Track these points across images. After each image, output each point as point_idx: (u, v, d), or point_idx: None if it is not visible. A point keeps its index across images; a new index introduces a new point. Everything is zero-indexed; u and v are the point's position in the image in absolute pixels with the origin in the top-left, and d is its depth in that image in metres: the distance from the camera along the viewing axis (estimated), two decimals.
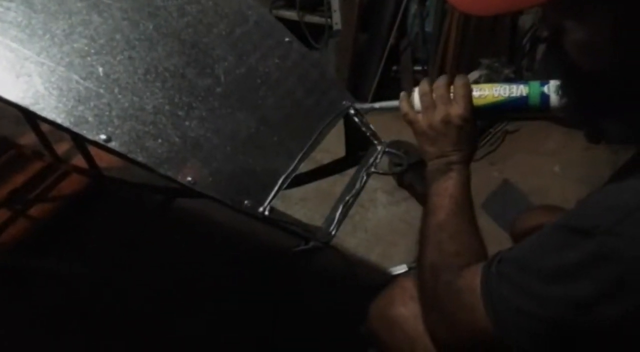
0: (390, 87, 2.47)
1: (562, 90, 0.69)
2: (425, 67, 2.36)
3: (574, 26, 0.51)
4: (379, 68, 2.38)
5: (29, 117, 1.67)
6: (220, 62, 0.93)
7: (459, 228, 0.72)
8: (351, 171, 1.10)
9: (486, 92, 0.80)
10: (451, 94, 0.79)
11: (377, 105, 0.98)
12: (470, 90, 0.79)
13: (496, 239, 1.72)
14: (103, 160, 1.86)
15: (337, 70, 2.42)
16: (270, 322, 1.48)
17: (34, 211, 1.72)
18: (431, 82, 0.82)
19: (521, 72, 2.33)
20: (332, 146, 1.19)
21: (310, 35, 2.44)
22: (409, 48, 2.43)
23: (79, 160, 1.86)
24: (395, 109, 0.90)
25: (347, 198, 1.00)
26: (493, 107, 0.79)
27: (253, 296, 1.55)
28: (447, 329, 0.66)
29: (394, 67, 2.47)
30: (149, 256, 1.60)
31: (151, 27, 0.87)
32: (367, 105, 1.07)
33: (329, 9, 2.35)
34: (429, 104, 0.80)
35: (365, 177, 1.04)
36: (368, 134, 1.10)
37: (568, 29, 0.52)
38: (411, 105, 0.83)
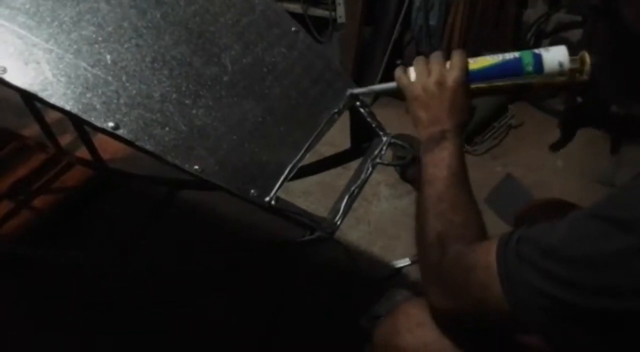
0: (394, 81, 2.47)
1: (609, 60, 0.68)
2: None
3: None
4: (382, 61, 2.37)
5: (33, 109, 1.67)
6: (227, 51, 0.93)
7: (459, 199, 0.72)
8: (354, 165, 1.10)
9: (480, 58, 0.81)
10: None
11: (375, 87, 1.01)
12: (466, 57, 0.80)
13: (499, 233, 1.74)
14: (107, 152, 1.86)
15: (341, 63, 2.42)
16: (271, 313, 1.49)
17: (37, 202, 1.72)
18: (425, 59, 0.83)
19: None
20: (337, 139, 1.19)
21: (314, 29, 2.43)
22: (413, 42, 2.42)
23: (82, 152, 1.86)
24: (394, 91, 0.90)
25: (352, 189, 1.00)
26: (488, 70, 0.80)
27: (255, 287, 1.55)
28: (453, 301, 0.65)
29: (398, 61, 2.46)
30: (153, 247, 1.60)
31: (158, 15, 0.87)
32: (364, 88, 1.07)
33: (333, 2, 2.34)
34: (423, 70, 0.80)
35: (370, 168, 1.05)
36: (373, 125, 1.10)
37: None
38: (406, 74, 0.84)
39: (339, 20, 2.38)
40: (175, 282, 1.54)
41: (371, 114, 1.10)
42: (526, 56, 0.78)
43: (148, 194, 1.79)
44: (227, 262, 1.56)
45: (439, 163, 0.75)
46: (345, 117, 1.10)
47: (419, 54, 2.40)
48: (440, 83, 0.77)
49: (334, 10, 2.37)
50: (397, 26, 2.31)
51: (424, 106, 0.79)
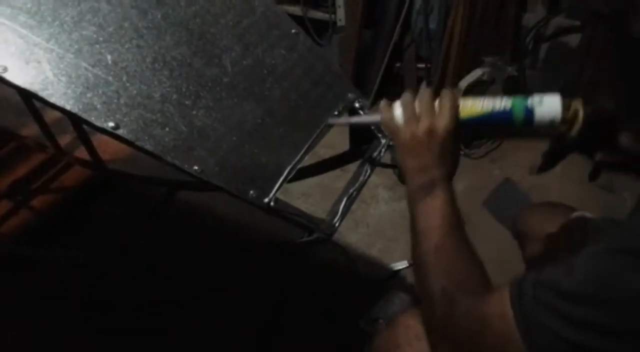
0: (394, 84, 2.47)
1: (611, 65, 0.67)
2: (429, 64, 2.36)
3: None
4: (382, 64, 2.38)
5: (32, 109, 1.67)
6: (227, 52, 0.93)
7: (460, 250, 0.69)
8: (353, 167, 1.10)
9: (470, 105, 0.76)
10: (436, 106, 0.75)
11: (353, 119, 0.90)
12: (457, 102, 0.75)
13: (497, 237, 1.74)
14: (106, 152, 1.86)
15: (341, 66, 2.42)
16: (270, 314, 1.49)
17: (36, 202, 1.72)
18: (414, 94, 0.78)
19: (524, 71, 2.33)
20: (336, 142, 1.19)
21: (314, 31, 2.44)
22: (413, 45, 2.43)
23: (81, 153, 1.86)
24: (373, 124, 0.86)
25: (351, 191, 1.01)
26: (477, 119, 0.75)
27: (254, 288, 1.55)
28: None
29: (398, 64, 2.47)
30: (152, 248, 1.60)
31: (159, 16, 0.87)
32: (342, 120, 1.02)
33: (333, 4, 2.35)
34: (412, 114, 0.75)
35: (369, 170, 1.05)
36: (372, 127, 1.11)
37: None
38: (393, 116, 0.78)
39: (339, 23, 2.38)
40: (175, 282, 1.54)
41: None
42: (517, 109, 0.73)
43: (147, 194, 1.79)
44: (226, 263, 1.56)
45: (432, 212, 0.72)
46: None
47: (418, 57, 2.42)
48: (430, 132, 0.73)
49: (334, 13, 2.37)
50: (397, 29, 2.31)
51: (412, 154, 0.75)
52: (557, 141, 0.88)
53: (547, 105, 0.72)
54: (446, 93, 0.75)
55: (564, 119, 0.73)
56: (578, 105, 0.76)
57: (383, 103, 0.79)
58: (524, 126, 0.74)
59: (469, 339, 0.62)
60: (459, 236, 0.70)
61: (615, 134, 0.83)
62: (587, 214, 1.08)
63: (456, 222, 0.71)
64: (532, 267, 1.17)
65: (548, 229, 1.11)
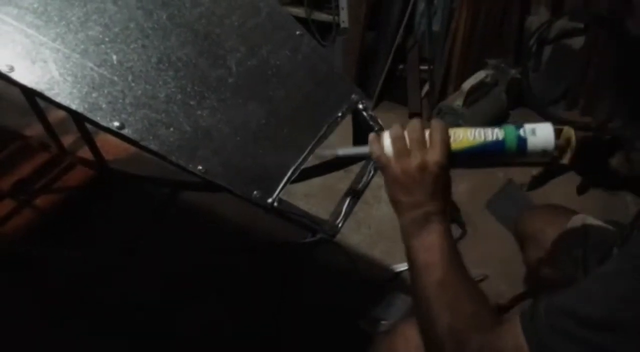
0: (397, 86, 2.48)
1: (617, 74, 0.68)
2: (432, 66, 2.36)
3: None
4: (385, 66, 2.38)
5: (36, 109, 1.68)
6: (232, 53, 0.93)
7: (463, 285, 0.67)
8: (356, 168, 1.10)
9: (461, 136, 0.74)
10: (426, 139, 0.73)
11: (340, 152, 0.86)
12: (448, 135, 0.73)
13: (500, 239, 1.74)
14: (109, 152, 1.87)
15: (344, 68, 2.43)
16: (272, 315, 1.49)
17: (39, 201, 1.73)
18: (402, 126, 0.75)
19: (527, 73, 2.33)
20: (339, 143, 1.19)
21: (317, 33, 2.45)
22: (416, 47, 2.43)
23: (85, 153, 1.87)
24: (363, 157, 0.83)
25: (354, 192, 1.01)
26: (469, 152, 0.73)
27: (256, 289, 1.55)
28: None
29: (401, 66, 2.48)
30: (153, 248, 1.60)
31: (165, 16, 0.88)
32: (327, 152, 0.96)
33: (337, 6, 2.36)
34: (402, 149, 0.72)
35: (372, 172, 1.05)
36: (376, 129, 1.11)
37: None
38: (382, 149, 0.75)
39: (342, 25, 2.39)
40: (177, 282, 1.55)
41: (373, 118, 1.11)
42: (510, 139, 0.72)
43: (150, 194, 1.80)
44: (229, 263, 1.56)
45: (430, 247, 0.70)
46: (348, 120, 1.10)
47: (421, 59, 2.43)
48: (422, 167, 0.70)
49: (338, 14, 2.38)
50: (400, 31, 2.32)
51: (404, 190, 0.72)
52: (548, 166, 0.87)
53: (540, 135, 0.71)
54: (436, 125, 0.73)
55: (556, 147, 0.72)
56: (570, 133, 0.75)
57: (372, 136, 0.76)
58: (516, 156, 0.73)
59: None
60: (459, 270, 0.68)
61: (606, 158, 0.83)
62: (589, 218, 1.09)
63: (455, 255, 0.69)
64: (533, 270, 1.17)
65: (549, 232, 1.11)
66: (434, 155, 0.70)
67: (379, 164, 0.75)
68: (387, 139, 0.75)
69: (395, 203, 0.74)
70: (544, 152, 0.71)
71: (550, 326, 0.54)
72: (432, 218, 0.70)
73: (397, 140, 0.73)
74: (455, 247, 0.71)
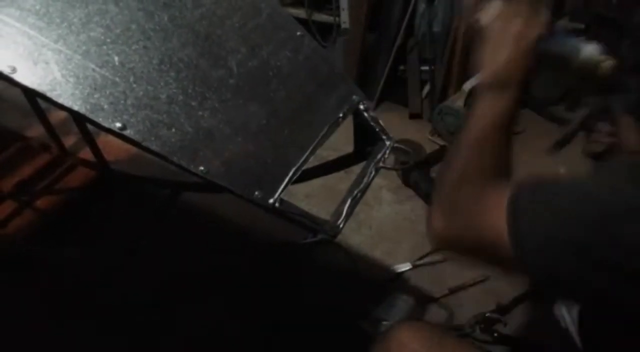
0: (397, 87, 2.48)
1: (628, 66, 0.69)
2: (432, 67, 2.36)
3: None
4: (386, 67, 2.38)
5: (37, 110, 1.68)
6: (233, 54, 0.94)
7: (494, 149, 0.70)
8: (357, 169, 1.10)
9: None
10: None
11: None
12: (550, 17, 0.75)
13: None
14: (110, 153, 1.87)
15: (345, 68, 2.43)
16: (273, 315, 1.49)
17: (40, 202, 1.73)
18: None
19: None
20: (340, 144, 1.20)
21: (318, 34, 2.45)
22: (416, 48, 2.44)
23: (86, 154, 1.87)
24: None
25: (355, 192, 1.01)
26: (553, 41, 0.76)
27: (256, 290, 1.56)
28: (458, 231, 0.66)
29: (401, 67, 2.48)
30: (154, 248, 1.61)
31: (166, 18, 0.88)
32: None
33: (338, 7, 2.36)
34: (508, 12, 0.75)
35: (373, 172, 1.05)
36: (377, 129, 1.11)
37: None
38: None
39: (343, 26, 2.39)
40: (178, 283, 1.55)
41: (374, 119, 1.11)
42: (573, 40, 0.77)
43: (151, 195, 1.80)
44: (229, 264, 1.56)
45: (487, 113, 0.72)
46: (349, 121, 1.11)
47: (422, 60, 2.43)
48: (520, 36, 0.73)
49: (338, 15, 2.38)
50: (401, 32, 2.32)
51: (494, 51, 0.74)
52: (585, 82, 0.88)
53: (591, 46, 0.75)
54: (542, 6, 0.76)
55: (605, 58, 0.74)
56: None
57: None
58: (574, 61, 0.76)
59: (463, 223, 0.66)
60: (501, 138, 0.71)
61: None
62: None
63: (506, 128, 0.72)
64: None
65: None
66: (536, 29, 0.72)
67: (483, 20, 0.77)
68: (494, 4, 0.78)
69: (482, 62, 0.75)
70: (593, 59, 0.74)
71: (532, 197, 0.59)
72: (506, 90, 0.72)
73: (507, 5, 0.76)
74: (512, 123, 0.72)
